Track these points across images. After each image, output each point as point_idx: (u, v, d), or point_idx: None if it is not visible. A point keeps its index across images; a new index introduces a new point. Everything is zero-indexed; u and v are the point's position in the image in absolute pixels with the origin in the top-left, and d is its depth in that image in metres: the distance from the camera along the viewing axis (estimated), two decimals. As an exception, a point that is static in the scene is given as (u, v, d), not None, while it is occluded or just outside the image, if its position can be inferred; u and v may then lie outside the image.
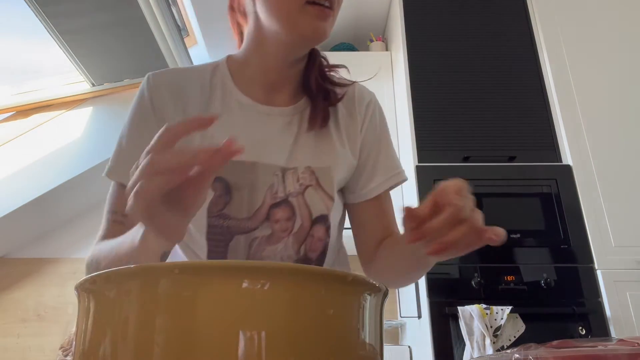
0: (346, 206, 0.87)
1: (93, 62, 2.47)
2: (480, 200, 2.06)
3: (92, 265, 0.65)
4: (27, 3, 2.05)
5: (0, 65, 2.57)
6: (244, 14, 0.80)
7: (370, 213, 0.84)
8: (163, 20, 2.25)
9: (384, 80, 2.60)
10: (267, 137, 0.77)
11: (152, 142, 0.45)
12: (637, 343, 0.35)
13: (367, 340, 0.38)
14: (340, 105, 0.84)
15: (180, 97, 0.77)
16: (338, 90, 0.84)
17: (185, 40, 2.56)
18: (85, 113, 2.63)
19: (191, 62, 2.60)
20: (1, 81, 2.60)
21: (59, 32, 2.22)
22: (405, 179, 0.87)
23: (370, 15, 2.82)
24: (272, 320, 0.33)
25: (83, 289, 0.38)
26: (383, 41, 2.82)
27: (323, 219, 0.77)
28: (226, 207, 0.73)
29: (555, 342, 0.38)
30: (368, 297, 0.39)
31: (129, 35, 2.34)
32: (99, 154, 2.48)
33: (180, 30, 2.42)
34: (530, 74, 2.36)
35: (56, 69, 2.62)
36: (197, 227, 0.73)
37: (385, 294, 0.42)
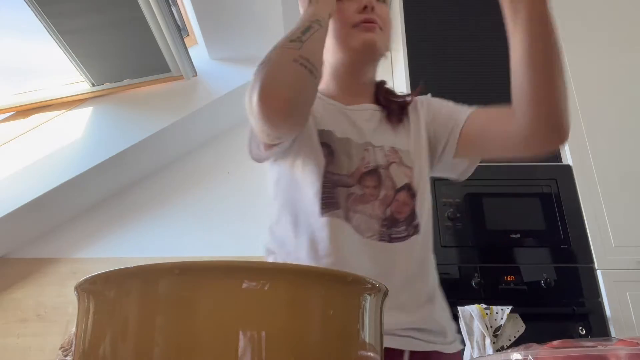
0: (461, 142, 0.97)
1: (93, 62, 2.46)
2: (481, 200, 2.06)
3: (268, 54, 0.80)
4: (27, 3, 2.05)
5: (0, 65, 2.57)
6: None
7: (476, 122, 0.95)
8: (163, 20, 2.25)
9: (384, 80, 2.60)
10: (355, 124, 0.96)
11: None
12: (637, 343, 0.35)
13: (367, 340, 0.38)
14: (409, 110, 1.03)
15: None
16: (403, 100, 1.04)
17: (185, 40, 2.56)
18: (85, 113, 2.63)
19: (191, 62, 2.60)
20: (1, 81, 2.60)
21: (59, 32, 2.22)
22: (472, 111, 0.98)
23: (370, 15, 2.82)
24: (272, 320, 0.33)
25: (83, 289, 0.38)
26: (383, 41, 2.82)
27: (406, 187, 0.92)
28: (330, 165, 0.91)
29: (555, 342, 0.38)
30: (368, 297, 0.39)
31: (129, 35, 2.34)
32: (99, 154, 2.48)
33: (180, 30, 2.42)
34: (530, 74, 2.35)
35: (56, 69, 2.62)
36: (316, 176, 0.90)
37: (385, 294, 0.42)
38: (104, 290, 0.36)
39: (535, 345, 0.38)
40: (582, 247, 1.98)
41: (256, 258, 2.76)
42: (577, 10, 2.50)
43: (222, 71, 2.77)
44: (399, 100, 1.03)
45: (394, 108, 1.00)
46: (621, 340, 0.37)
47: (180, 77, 2.67)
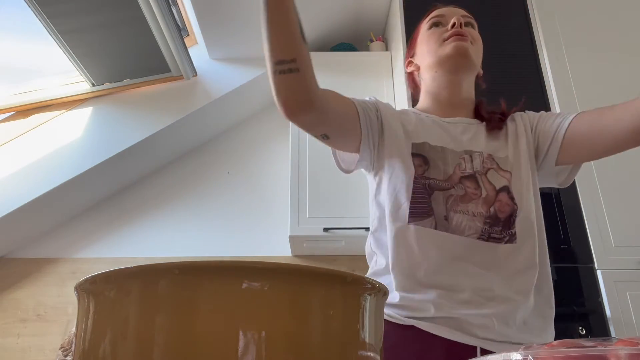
0: (566, 144, 0.97)
1: (93, 62, 2.46)
2: (480, 200, 2.06)
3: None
4: (27, 3, 2.05)
5: (0, 65, 2.57)
6: (417, 83, 1.15)
7: (584, 119, 0.96)
8: (163, 20, 2.25)
9: (384, 80, 2.60)
10: (450, 134, 1.01)
11: None
12: (637, 343, 0.35)
13: (367, 340, 0.38)
14: (508, 122, 1.06)
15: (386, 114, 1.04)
16: (503, 112, 1.08)
17: (185, 40, 2.56)
18: (85, 113, 2.63)
19: (191, 62, 2.60)
20: (1, 81, 2.60)
21: (59, 32, 2.22)
22: (575, 114, 0.99)
23: (370, 15, 2.82)
24: (272, 320, 0.33)
25: (83, 289, 0.38)
26: (383, 41, 2.82)
27: (506, 189, 0.95)
28: (426, 172, 0.95)
29: (555, 342, 0.38)
30: (368, 297, 0.39)
31: (129, 35, 2.34)
32: (99, 154, 2.48)
33: (180, 30, 2.42)
34: (530, 74, 2.36)
35: (56, 69, 2.62)
36: (406, 186, 0.95)
37: (385, 294, 0.42)
38: (104, 290, 0.36)
39: (535, 345, 0.38)
40: (582, 247, 1.98)
41: (256, 258, 2.77)
42: (578, 11, 2.50)
43: (222, 71, 2.77)
44: (499, 112, 1.07)
45: (493, 118, 1.04)
46: (621, 340, 0.37)
47: (180, 77, 2.67)
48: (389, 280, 0.94)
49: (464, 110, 1.07)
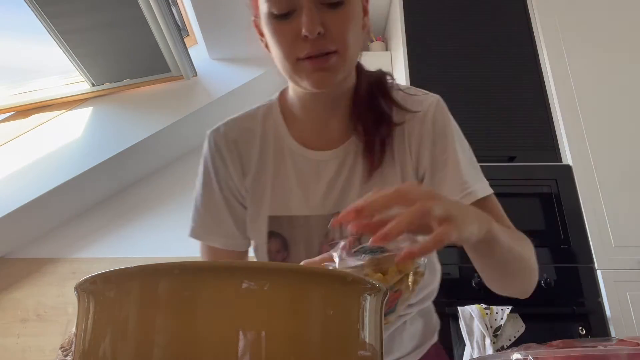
0: None
1: (93, 62, 2.46)
2: (480, 200, 2.06)
3: None
4: (27, 3, 2.05)
5: (0, 65, 2.57)
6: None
7: None
8: (163, 20, 2.25)
9: (384, 80, 2.60)
10: (319, 187, 0.76)
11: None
12: (637, 343, 0.35)
13: (367, 340, 0.38)
14: (394, 136, 0.78)
15: (238, 155, 0.80)
16: (397, 116, 0.77)
17: (185, 40, 2.56)
18: (85, 113, 2.63)
19: (191, 62, 2.60)
20: (1, 81, 2.60)
21: (59, 32, 2.22)
22: (484, 195, 0.76)
23: (370, 15, 2.81)
24: (272, 320, 0.33)
25: (83, 289, 0.38)
26: (383, 41, 2.82)
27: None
28: (286, 260, 0.75)
29: (555, 342, 0.38)
30: (368, 297, 0.39)
31: (129, 35, 2.34)
32: (99, 154, 2.48)
33: (180, 30, 2.42)
34: (530, 74, 2.35)
35: (56, 69, 2.62)
36: None
37: (385, 294, 0.42)
38: (104, 290, 0.36)
39: (535, 345, 0.38)
40: (582, 247, 1.98)
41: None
42: (577, 10, 2.50)
43: (222, 71, 2.77)
44: (387, 117, 0.77)
45: (372, 147, 0.75)
46: (621, 340, 0.37)
47: (180, 77, 2.67)
48: None
49: (339, 122, 0.79)
